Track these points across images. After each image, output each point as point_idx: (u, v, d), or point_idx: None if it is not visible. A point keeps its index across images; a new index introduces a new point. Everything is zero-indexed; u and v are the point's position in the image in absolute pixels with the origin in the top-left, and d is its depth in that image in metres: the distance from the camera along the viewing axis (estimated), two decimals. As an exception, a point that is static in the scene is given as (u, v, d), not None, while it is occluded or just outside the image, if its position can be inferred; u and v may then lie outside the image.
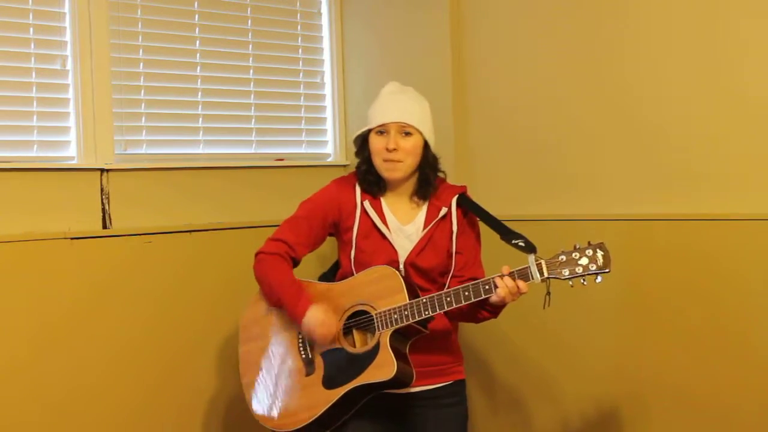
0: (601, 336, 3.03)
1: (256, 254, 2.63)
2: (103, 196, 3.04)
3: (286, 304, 2.54)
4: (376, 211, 2.60)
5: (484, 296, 2.37)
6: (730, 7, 2.73)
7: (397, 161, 2.54)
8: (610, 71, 3.01)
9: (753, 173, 2.69)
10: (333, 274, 2.75)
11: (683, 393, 2.82)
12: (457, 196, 2.62)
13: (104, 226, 3.03)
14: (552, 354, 3.17)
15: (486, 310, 2.48)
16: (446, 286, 2.53)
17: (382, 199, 2.63)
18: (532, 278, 2.35)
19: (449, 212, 2.59)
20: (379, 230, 2.58)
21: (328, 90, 3.72)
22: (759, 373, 2.67)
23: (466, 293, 2.38)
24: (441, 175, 2.66)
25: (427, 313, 2.40)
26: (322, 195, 2.67)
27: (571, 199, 3.12)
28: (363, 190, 2.63)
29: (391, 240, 2.58)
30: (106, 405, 2.98)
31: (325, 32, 3.72)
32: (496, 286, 2.36)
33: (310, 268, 2.85)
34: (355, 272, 2.58)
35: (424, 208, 2.62)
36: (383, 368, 2.40)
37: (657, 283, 2.88)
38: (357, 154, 2.67)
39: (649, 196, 2.92)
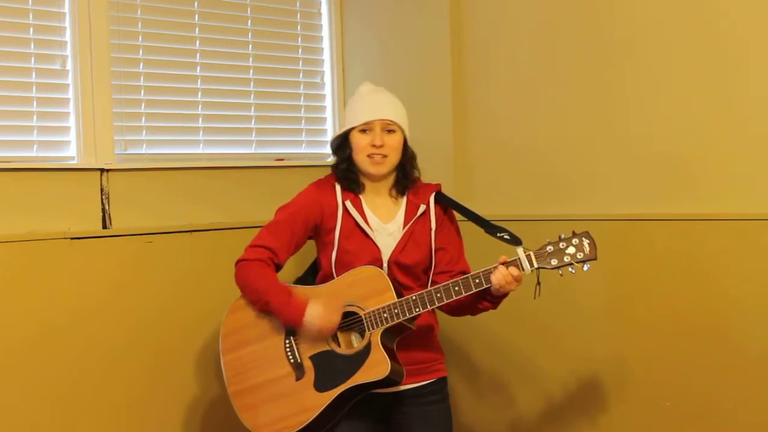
0: (594, 336, 3.03)
1: (237, 262, 2.61)
2: (103, 196, 3.04)
3: (276, 307, 2.52)
4: (357, 211, 2.61)
5: (474, 290, 2.41)
6: (729, 6, 2.72)
7: (383, 156, 2.58)
8: (609, 72, 3.01)
9: (751, 173, 2.68)
10: (310, 276, 2.74)
11: (688, 394, 2.83)
12: (434, 193, 2.65)
13: (104, 226, 3.03)
14: (544, 352, 3.17)
15: (487, 300, 2.51)
16: (430, 283, 2.57)
17: (362, 198, 2.63)
18: (523, 269, 2.40)
19: (428, 209, 2.63)
20: (361, 229, 2.59)
21: (328, 90, 3.73)
22: (757, 373, 2.67)
23: (456, 288, 2.41)
24: (416, 173, 2.68)
25: (417, 310, 2.43)
26: (303, 198, 2.67)
27: (569, 200, 3.12)
28: (344, 189, 2.64)
29: (373, 238, 2.59)
30: (105, 405, 2.98)
31: (325, 32, 3.72)
32: (487, 281, 2.40)
33: (283, 271, 2.75)
34: (336, 273, 2.58)
35: (403, 205, 2.64)
36: (377, 367, 2.42)
37: (655, 283, 2.88)
38: (335, 153, 2.68)
39: (646, 196, 2.92)
